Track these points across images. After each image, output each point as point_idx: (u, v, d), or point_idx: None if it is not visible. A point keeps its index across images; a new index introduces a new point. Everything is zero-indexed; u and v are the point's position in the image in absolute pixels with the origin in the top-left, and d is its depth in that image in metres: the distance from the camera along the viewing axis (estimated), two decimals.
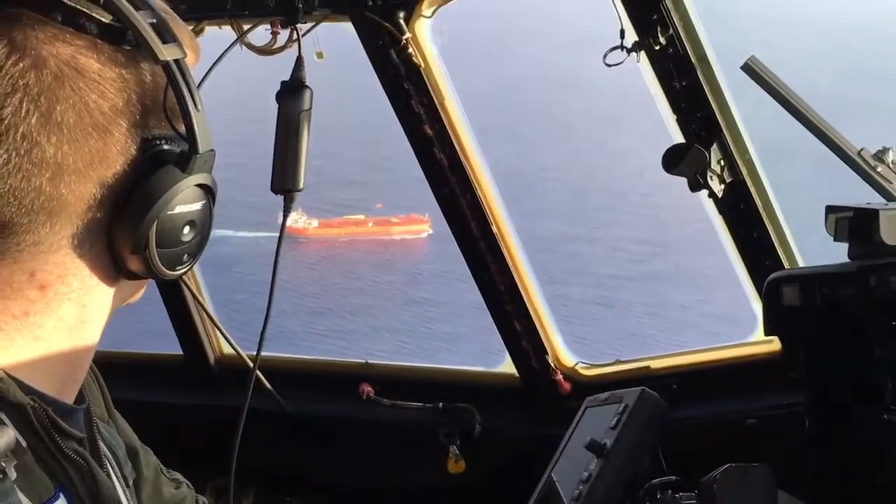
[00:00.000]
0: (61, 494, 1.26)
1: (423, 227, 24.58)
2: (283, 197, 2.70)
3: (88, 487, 1.32)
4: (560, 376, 3.30)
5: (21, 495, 1.16)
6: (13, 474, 1.15)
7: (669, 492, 2.10)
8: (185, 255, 1.31)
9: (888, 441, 2.19)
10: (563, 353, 3.36)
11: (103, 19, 1.19)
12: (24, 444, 1.20)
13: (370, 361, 3.64)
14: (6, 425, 1.16)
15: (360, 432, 3.49)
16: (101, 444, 1.45)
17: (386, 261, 25.71)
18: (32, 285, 1.23)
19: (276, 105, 2.66)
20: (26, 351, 1.25)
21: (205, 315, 3.66)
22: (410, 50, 2.89)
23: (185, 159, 1.25)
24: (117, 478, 1.47)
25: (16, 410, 1.22)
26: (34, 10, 1.17)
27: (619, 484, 1.99)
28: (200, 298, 3.60)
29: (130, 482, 1.55)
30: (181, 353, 3.78)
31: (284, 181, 2.68)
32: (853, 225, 2.11)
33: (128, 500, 1.48)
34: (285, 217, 2.74)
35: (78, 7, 1.18)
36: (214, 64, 2.34)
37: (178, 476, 1.87)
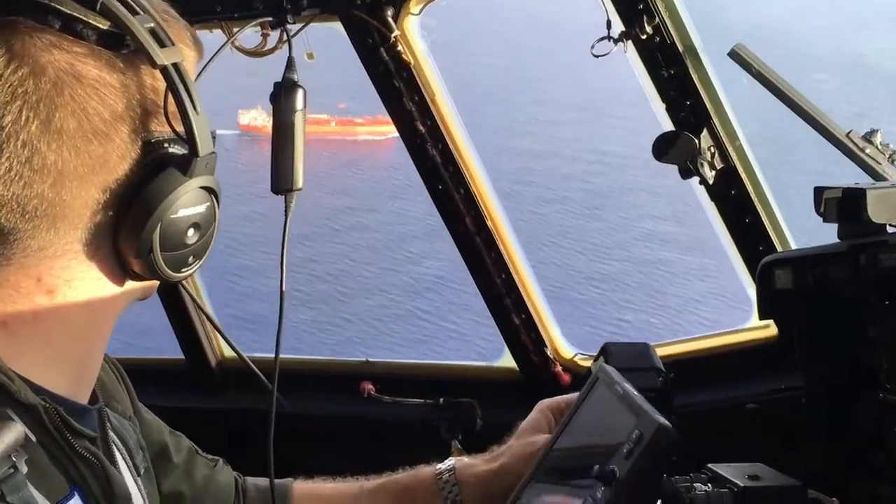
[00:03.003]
0: (76, 493, 1.29)
1: (388, 128, 24.32)
2: (283, 197, 2.74)
3: (102, 486, 1.34)
4: (559, 368, 3.32)
5: (33, 490, 1.18)
6: (24, 468, 1.17)
7: (665, 476, 2.09)
8: (191, 257, 1.33)
9: (885, 420, 2.20)
10: (562, 345, 3.37)
11: (101, 26, 1.21)
12: (33, 438, 1.21)
13: (370, 360, 3.66)
14: (14, 420, 1.18)
15: (362, 430, 3.50)
16: (113, 434, 1.47)
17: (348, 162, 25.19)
18: (40, 290, 1.25)
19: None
20: (37, 354, 1.27)
21: (205, 318, 3.68)
22: (400, 47, 2.92)
23: (187, 162, 1.26)
24: (128, 467, 1.50)
25: (27, 411, 1.24)
26: (32, 18, 1.18)
27: None
28: (200, 302, 3.61)
29: (142, 471, 1.56)
30: (182, 357, 3.80)
31: (283, 181, 2.70)
32: (841, 205, 2.12)
33: (139, 489, 1.51)
34: (287, 217, 2.76)
35: (75, 14, 1.19)
36: (204, 67, 2.36)
37: (216, 458, 1.95)
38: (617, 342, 2.78)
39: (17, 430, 1.17)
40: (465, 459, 2.06)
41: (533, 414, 2.08)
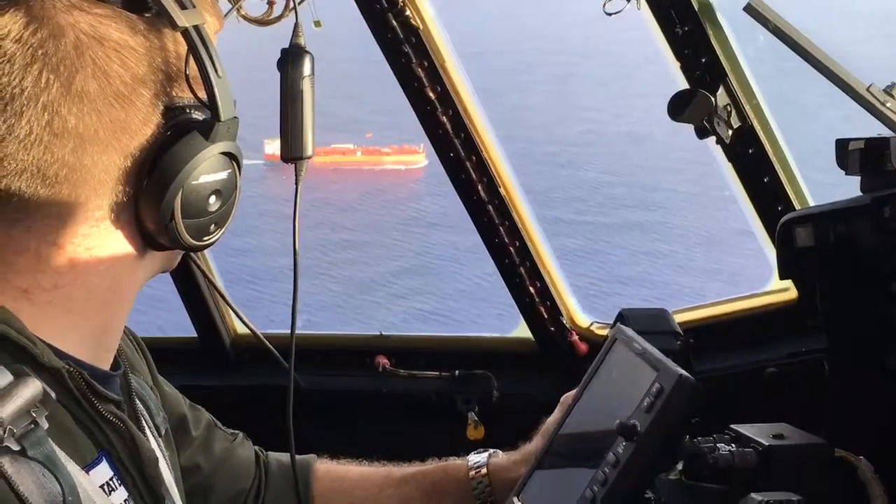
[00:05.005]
0: (104, 458, 1.28)
1: (416, 157, 22.82)
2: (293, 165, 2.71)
3: (130, 451, 1.33)
4: (576, 337, 3.28)
5: (55, 446, 1.16)
6: (45, 423, 1.15)
7: (687, 437, 2.05)
8: (213, 225, 1.31)
9: None
10: (578, 313, 3.33)
11: None
12: (52, 395, 1.19)
13: (384, 333, 3.63)
14: (30, 376, 1.16)
15: (378, 404, 3.48)
16: (136, 399, 1.46)
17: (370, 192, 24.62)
18: (61, 258, 1.23)
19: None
20: (59, 322, 1.26)
21: (217, 295, 3.65)
22: (408, 12, 2.87)
23: (209, 127, 1.25)
24: (149, 427, 1.49)
25: (50, 374, 1.22)
26: None
27: (651, 471, 1.94)
28: (212, 278, 3.58)
29: (163, 432, 1.56)
30: (195, 335, 3.77)
31: (294, 149, 2.66)
32: (864, 156, 2.07)
33: (161, 450, 1.50)
34: (298, 186, 2.73)
35: None
36: None
37: (236, 432, 1.96)
38: (634, 307, 2.74)
39: (35, 385, 1.15)
40: (498, 459, 2.04)
41: (558, 409, 2.05)
